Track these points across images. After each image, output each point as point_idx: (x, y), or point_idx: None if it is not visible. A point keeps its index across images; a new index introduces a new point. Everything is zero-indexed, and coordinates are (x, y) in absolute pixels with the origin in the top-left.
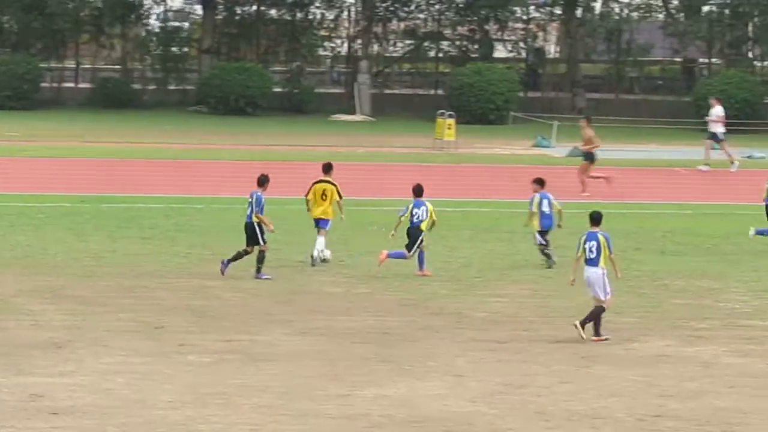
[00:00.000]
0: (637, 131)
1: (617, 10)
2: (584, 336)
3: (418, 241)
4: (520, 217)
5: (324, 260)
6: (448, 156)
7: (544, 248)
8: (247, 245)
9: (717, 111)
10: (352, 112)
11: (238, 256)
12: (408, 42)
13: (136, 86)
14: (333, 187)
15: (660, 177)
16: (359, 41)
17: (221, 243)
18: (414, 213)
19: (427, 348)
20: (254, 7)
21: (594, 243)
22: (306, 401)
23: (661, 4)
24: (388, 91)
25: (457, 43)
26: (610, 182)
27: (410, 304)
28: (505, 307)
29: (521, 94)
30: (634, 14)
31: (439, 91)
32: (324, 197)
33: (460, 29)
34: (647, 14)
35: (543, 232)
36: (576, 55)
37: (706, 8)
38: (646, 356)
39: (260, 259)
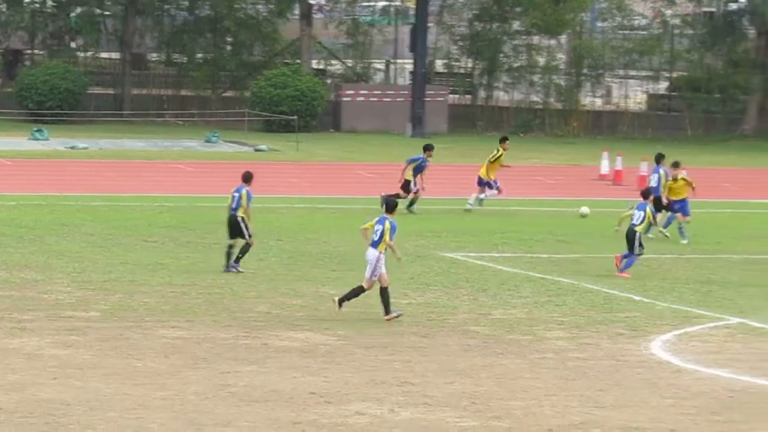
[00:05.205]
0: None
1: None
2: (337, 311)
3: (637, 242)
4: None
5: None
6: None
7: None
8: (231, 238)
9: None
10: None
11: (245, 250)
12: None
13: None
14: None
15: None
16: None
17: None
18: (634, 215)
19: None
20: None
21: (380, 227)
22: None
23: None
24: None
25: None
26: None
27: None
28: None
29: None
30: None
31: None
32: None
33: None
34: None
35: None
36: None
37: None
38: None
39: (244, 251)
